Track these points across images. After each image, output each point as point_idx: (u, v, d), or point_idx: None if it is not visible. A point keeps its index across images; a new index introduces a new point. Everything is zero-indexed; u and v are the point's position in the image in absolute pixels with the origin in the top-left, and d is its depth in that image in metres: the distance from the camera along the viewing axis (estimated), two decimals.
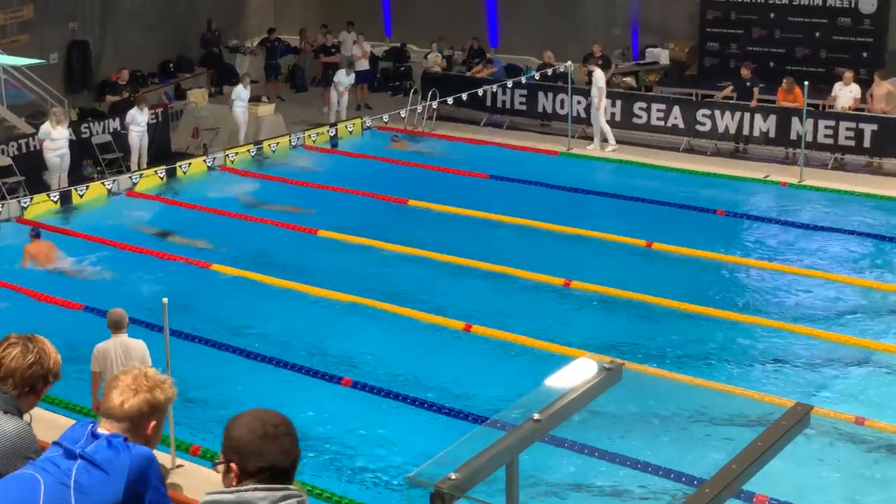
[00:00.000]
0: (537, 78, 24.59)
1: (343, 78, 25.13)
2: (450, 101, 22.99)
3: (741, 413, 11.39)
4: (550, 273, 15.68)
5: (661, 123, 23.37)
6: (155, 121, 22.71)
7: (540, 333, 13.61)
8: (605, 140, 23.00)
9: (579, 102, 24.01)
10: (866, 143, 21.47)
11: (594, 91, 22.85)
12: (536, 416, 5.95)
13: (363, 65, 27.21)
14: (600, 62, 24.00)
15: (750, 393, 11.86)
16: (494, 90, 24.46)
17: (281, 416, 3.85)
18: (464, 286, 15.60)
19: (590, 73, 23.88)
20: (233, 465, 3.78)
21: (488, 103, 24.96)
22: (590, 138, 23.59)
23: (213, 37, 28.95)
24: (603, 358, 6.93)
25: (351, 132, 23.94)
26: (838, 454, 11.11)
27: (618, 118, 23.68)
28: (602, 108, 22.86)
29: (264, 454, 3.75)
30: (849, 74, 22.02)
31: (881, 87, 21.92)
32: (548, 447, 9.75)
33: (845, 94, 21.78)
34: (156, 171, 20.84)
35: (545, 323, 14.07)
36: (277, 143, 22.75)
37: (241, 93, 23.18)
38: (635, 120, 23.72)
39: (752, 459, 5.86)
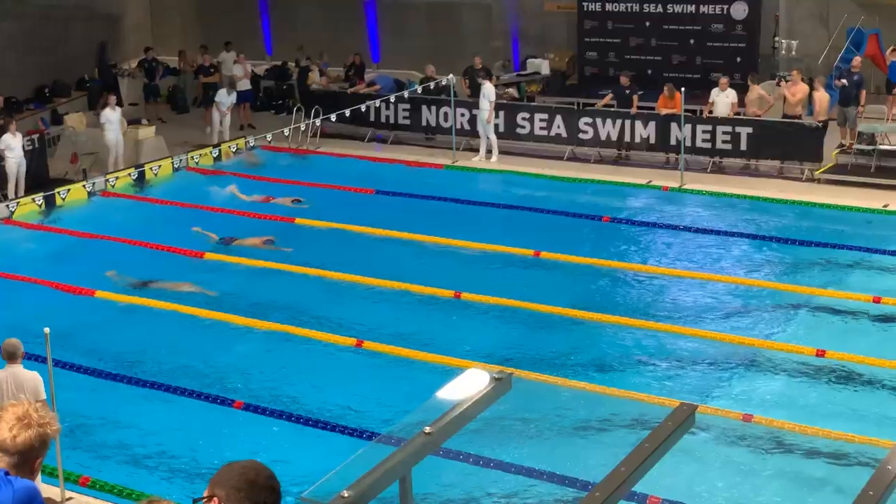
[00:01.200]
0: (420, 92, 24.65)
1: (224, 97, 24.88)
2: (333, 117, 22.92)
3: (630, 415, 11.54)
4: (440, 286, 15.72)
5: (545, 133, 23.61)
6: (31, 147, 22.17)
7: (431, 346, 13.61)
8: (489, 151, 23.15)
9: (463, 115, 24.15)
10: (743, 147, 21.99)
11: (484, 104, 22.95)
12: (428, 429, 5.94)
13: (245, 84, 26.97)
14: (482, 74, 24.15)
15: (638, 395, 12.02)
16: (378, 105, 24.45)
17: (272, 473, 4.04)
18: (354, 302, 15.53)
19: (472, 85, 24.07)
20: (215, 499, 3.92)
21: (372, 119, 24.96)
22: (475, 150, 23.72)
23: (106, 59, 28.55)
24: (493, 368, 6.95)
25: (235, 152, 23.71)
26: (727, 452, 11.30)
27: (502, 129, 23.85)
28: (492, 120, 23.01)
29: (247, 497, 3.90)
30: (724, 80, 22.53)
31: (753, 92, 22.46)
32: (442, 460, 9.75)
33: (722, 99, 22.26)
34: (33, 199, 20.36)
35: (436, 335, 14.08)
36: (159, 165, 22.41)
37: (109, 115, 22.60)
38: (519, 130, 23.94)
39: (641, 461, 5.94)
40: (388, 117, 25.17)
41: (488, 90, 23.05)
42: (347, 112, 22.87)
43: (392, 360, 13.51)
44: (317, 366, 13.60)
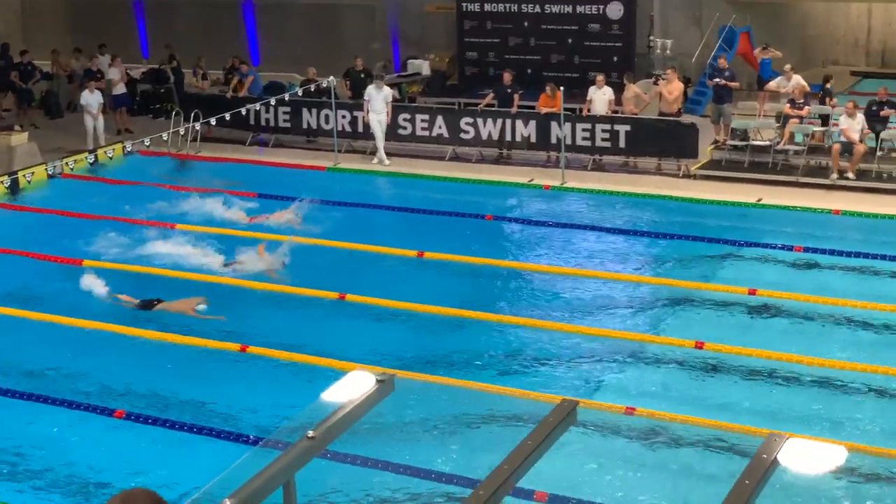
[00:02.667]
0: (300, 94, 24.50)
1: (90, 98, 24.35)
2: (212, 121, 22.64)
3: (514, 413, 11.63)
4: (324, 288, 15.65)
5: (426, 133, 23.68)
6: None
7: (316, 349, 13.54)
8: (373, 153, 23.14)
9: (344, 117, 24.10)
10: (621, 144, 22.35)
11: (380, 106, 22.86)
12: (311, 433, 5.90)
13: (120, 88, 26.50)
14: (381, 76, 24.06)
15: (522, 392, 12.13)
16: (258, 109, 24.24)
17: (157, 497, 3.98)
18: (238, 307, 15.36)
19: (354, 87, 24.08)
20: None
21: (252, 122, 24.73)
22: (358, 152, 23.71)
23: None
24: (376, 369, 6.93)
25: (111, 158, 23.26)
26: (611, 444, 11.45)
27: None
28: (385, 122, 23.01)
29: None
30: (601, 77, 22.87)
31: (630, 90, 22.84)
32: (328, 463, 9.71)
33: (600, 97, 22.59)
34: None
35: (321, 338, 14.01)
36: (33, 172, 21.88)
37: None
38: (400, 131, 23.96)
39: (523, 458, 5.97)
40: (268, 120, 24.98)
41: (388, 92, 23.05)
42: (227, 115, 22.60)
43: (276, 364, 13.39)
44: (200, 372, 13.41)
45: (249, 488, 5.41)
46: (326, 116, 24.30)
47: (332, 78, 23.72)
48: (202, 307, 15.12)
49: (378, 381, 6.42)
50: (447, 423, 11.74)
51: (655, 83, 23.18)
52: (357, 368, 6.63)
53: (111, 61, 26.94)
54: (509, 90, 23.28)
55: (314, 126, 24.72)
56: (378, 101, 22.88)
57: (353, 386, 6.45)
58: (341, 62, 26.09)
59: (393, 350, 13.61)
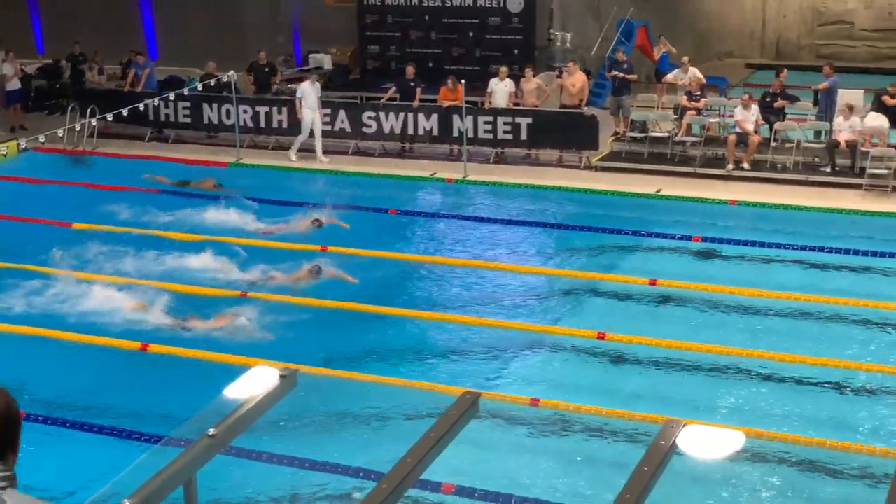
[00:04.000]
0: (201, 89, 24.21)
1: None
2: (110, 117, 22.25)
3: (419, 405, 11.67)
4: (225, 286, 15.52)
5: (329, 128, 23.56)
6: None
7: (218, 346, 13.41)
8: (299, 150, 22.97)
9: (246, 112, 23.89)
10: (523, 136, 22.50)
11: (316, 102, 22.68)
12: (212, 431, 5.85)
13: (15, 84, 25.91)
14: (315, 75, 23.80)
15: (426, 385, 12.17)
16: (157, 103, 23.88)
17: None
18: (139, 303, 15.13)
19: (257, 82, 23.91)
20: None
21: (151, 117, 24.38)
22: (260, 147, 23.57)
23: None
24: (278, 365, 6.90)
25: (5, 155, 22.73)
26: (516, 435, 11.55)
27: (285, 125, 23.70)
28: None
29: None
30: (503, 70, 23.00)
31: (531, 83, 23.00)
32: (231, 460, 9.64)
33: (501, 89, 22.73)
34: None
35: (223, 335, 13.88)
36: None
37: None
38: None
39: (427, 450, 6.01)
40: (167, 115, 24.66)
41: (318, 87, 22.85)
42: (125, 111, 22.22)
43: (178, 361, 13.25)
44: (99, 371, 13.21)
45: (149, 488, 5.35)
46: (228, 111, 24.07)
47: (232, 72, 23.49)
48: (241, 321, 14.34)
49: (281, 377, 6.39)
50: (351, 417, 11.74)
51: (559, 76, 23.35)
52: (259, 364, 6.58)
53: (4, 56, 26.33)
54: (412, 84, 23.29)
55: (215, 121, 24.46)
56: (314, 97, 22.73)
57: (255, 382, 6.41)
58: (242, 56, 25.84)
59: (296, 345, 13.55)
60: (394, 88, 23.63)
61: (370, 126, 23.43)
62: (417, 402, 11.84)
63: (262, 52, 25.27)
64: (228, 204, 19.22)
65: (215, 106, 24.35)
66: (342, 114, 23.57)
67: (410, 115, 23.11)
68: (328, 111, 23.60)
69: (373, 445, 10.97)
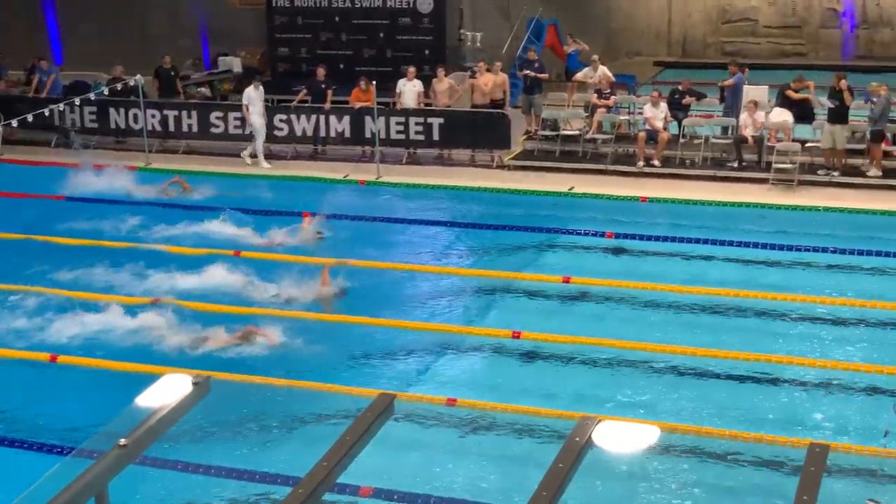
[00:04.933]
0: (107, 93, 23.81)
1: None
2: (14, 123, 21.80)
3: (335, 409, 11.60)
4: (134, 293, 15.29)
5: (240, 132, 23.35)
6: None
7: (130, 355, 13.19)
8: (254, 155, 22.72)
9: (154, 116, 23.59)
10: (435, 137, 22.52)
11: (262, 106, 22.48)
12: (123, 440, 5.76)
13: None
14: (258, 78, 23.46)
15: (341, 388, 12.08)
16: (61, 109, 23.43)
17: None
18: (48, 314, 14.84)
19: (163, 86, 23.59)
20: None
21: (57, 122, 23.93)
22: (170, 152, 23.29)
23: None
24: (191, 372, 6.81)
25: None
26: (434, 435, 11.54)
27: (195, 129, 23.45)
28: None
29: None
30: (411, 70, 23.00)
31: (443, 83, 23.03)
32: (144, 470, 9.50)
33: (409, 89, 22.72)
34: None
35: (131, 343, 13.67)
36: None
37: None
38: (213, 129, 23.60)
39: (343, 454, 5.97)
40: (73, 121, 24.22)
41: (262, 91, 22.62)
42: (30, 117, 21.74)
43: (88, 372, 13.01)
44: (8, 383, 12.92)
45: (59, 501, 5.25)
46: (136, 116, 23.73)
47: (139, 76, 23.16)
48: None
49: (193, 384, 6.31)
50: (266, 422, 11.64)
51: (472, 76, 23.34)
52: (171, 371, 6.48)
53: None
54: (323, 85, 23.17)
55: (123, 126, 24.10)
56: (259, 101, 22.48)
57: (167, 389, 6.31)
58: (150, 60, 25.50)
59: (208, 351, 13.38)
60: (305, 90, 23.48)
61: (282, 129, 23.27)
62: (333, 405, 11.77)
63: (167, 56, 24.94)
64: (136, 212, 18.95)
65: (122, 110, 23.99)
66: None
67: (322, 117, 23.00)
68: (239, 114, 23.39)
69: (289, 450, 10.89)
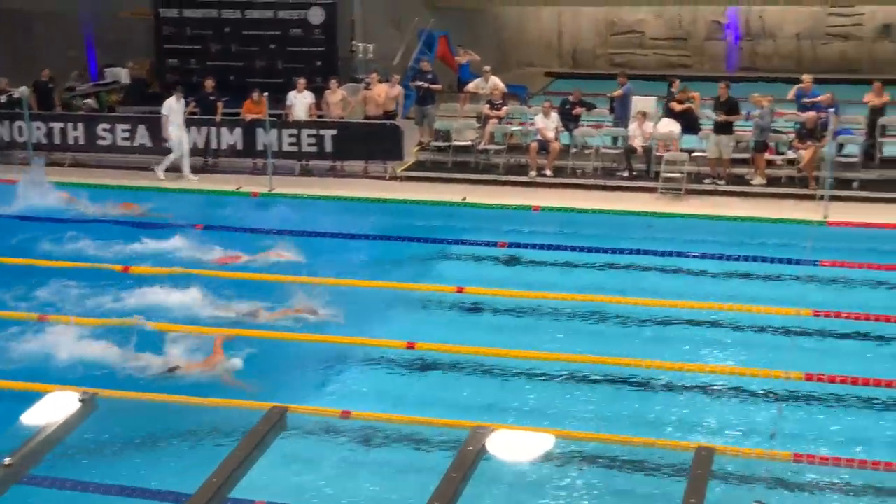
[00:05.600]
0: None
1: None
2: None
3: (226, 423, 11.46)
4: (16, 308, 14.94)
5: (128, 143, 23.06)
6: None
7: (12, 372, 12.88)
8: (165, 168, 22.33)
9: (39, 129, 23.12)
10: (328, 149, 22.46)
11: (180, 119, 22.06)
12: (7, 460, 5.64)
13: None
14: (179, 88, 22.96)
15: (231, 402, 11.94)
16: None
17: None
18: None
19: (41, 100, 23.17)
20: None
21: None
22: (58, 164, 22.84)
23: None
24: (76, 389, 6.68)
25: None
26: (329, 448, 11.48)
27: (81, 141, 23.05)
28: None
29: None
30: (302, 82, 22.91)
31: (336, 94, 22.98)
32: (31, 490, 9.28)
33: (301, 100, 22.63)
34: None
35: (19, 360, 13.36)
36: None
37: None
38: (100, 142, 23.25)
39: (234, 468, 5.92)
40: None
41: (182, 103, 22.20)
42: None
43: None
44: None
45: None
46: (20, 128, 23.22)
47: (24, 88, 22.69)
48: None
49: (80, 401, 6.20)
50: (155, 438, 11.46)
51: (367, 88, 23.28)
52: (57, 389, 6.36)
53: None
54: (212, 97, 22.94)
55: (7, 138, 23.57)
56: (180, 113, 22.07)
57: (53, 407, 6.19)
58: (37, 72, 24.97)
59: (93, 368, 13.10)
60: (193, 103, 23.21)
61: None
62: (225, 419, 11.62)
63: (46, 70, 24.47)
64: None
65: (6, 123, 23.46)
66: (142, 129, 23.06)
67: (214, 130, 22.77)
68: (127, 126, 23.08)
69: (180, 466, 10.73)
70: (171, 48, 27.37)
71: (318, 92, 23.16)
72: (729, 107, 20.61)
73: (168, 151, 22.22)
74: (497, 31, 32.65)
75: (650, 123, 21.36)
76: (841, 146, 20.92)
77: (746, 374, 12.90)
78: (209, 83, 23.20)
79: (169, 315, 14.77)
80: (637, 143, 21.10)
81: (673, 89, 22.00)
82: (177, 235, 18.05)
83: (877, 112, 21.24)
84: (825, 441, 11.50)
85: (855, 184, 20.37)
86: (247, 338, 14.04)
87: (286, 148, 22.50)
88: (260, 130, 22.30)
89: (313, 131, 22.41)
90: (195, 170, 22.49)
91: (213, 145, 22.84)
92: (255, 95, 22.51)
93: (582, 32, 33.64)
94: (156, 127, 22.90)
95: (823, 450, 11.21)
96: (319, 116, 22.83)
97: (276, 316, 14.87)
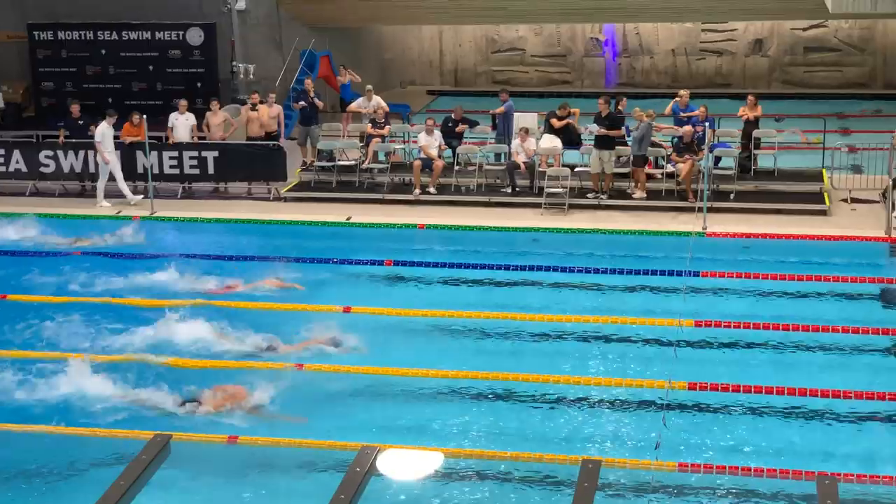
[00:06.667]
0: None
1: None
2: None
3: (111, 453, 11.20)
4: None
5: (3, 169, 22.52)
6: None
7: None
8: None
9: None
10: (210, 170, 22.23)
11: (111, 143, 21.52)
12: None
13: None
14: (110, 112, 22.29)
15: (112, 431, 11.67)
16: None
17: None
18: None
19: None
20: None
21: None
22: None
23: None
24: None
25: None
26: (214, 474, 11.29)
27: None
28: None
29: None
30: (183, 103, 22.64)
31: (217, 116, 22.76)
32: None
33: (182, 122, 22.36)
34: None
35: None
36: None
37: None
38: None
39: (117, 498, 5.80)
40: None
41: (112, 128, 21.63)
42: None
43: None
44: None
45: None
46: None
47: None
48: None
49: None
50: (37, 470, 11.14)
51: (254, 109, 23.00)
52: None
53: None
54: (80, 122, 22.48)
55: None
56: (111, 137, 21.48)
57: None
58: None
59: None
60: (62, 129, 22.63)
61: (48, 166, 22.51)
62: (107, 449, 11.35)
63: None
64: None
65: None
66: (17, 154, 22.55)
67: (91, 153, 22.33)
68: (2, 151, 22.54)
69: (63, 499, 10.46)
70: (46, 71, 26.83)
71: (199, 114, 22.90)
72: (611, 121, 20.94)
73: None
74: (379, 50, 32.69)
75: (533, 139, 21.58)
76: (717, 159, 21.40)
77: (632, 386, 13.08)
78: (74, 108, 22.76)
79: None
80: (520, 159, 21.29)
81: (558, 111, 22.17)
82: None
83: (751, 125, 21.80)
84: (709, 449, 11.70)
85: (732, 195, 20.84)
86: (129, 363, 13.75)
87: (167, 171, 22.20)
88: (140, 153, 21.96)
89: (195, 153, 22.16)
90: (73, 194, 22.06)
91: (92, 169, 22.39)
92: (135, 118, 22.16)
93: (463, 50, 33.87)
94: (32, 152, 22.39)
95: (708, 458, 11.41)
96: (201, 138, 22.57)
97: None
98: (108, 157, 21.48)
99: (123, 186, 21.77)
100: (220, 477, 11.34)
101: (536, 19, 31.38)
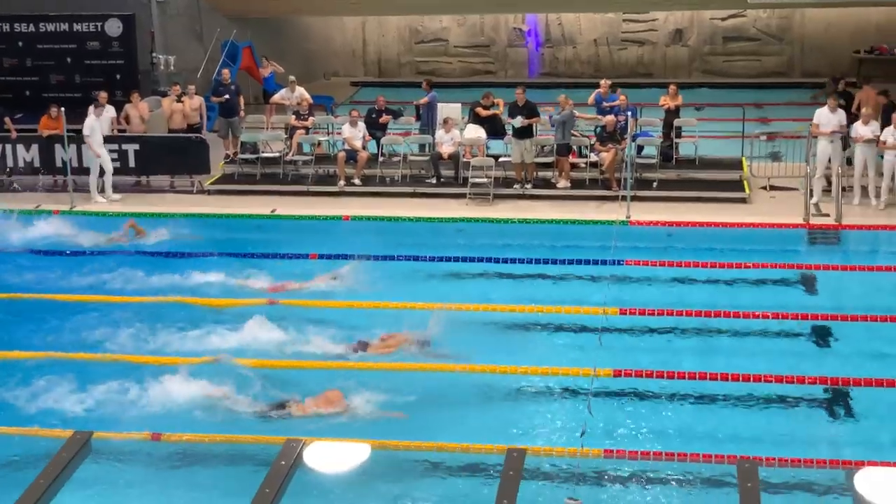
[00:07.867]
0: None
1: None
2: None
3: (27, 452, 11.02)
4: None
5: None
6: None
7: None
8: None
9: None
10: (132, 164, 21.96)
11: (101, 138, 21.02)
12: None
13: None
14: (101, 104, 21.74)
15: (32, 430, 11.50)
16: None
17: None
18: None
19: None
20: None
21: None
22: None
23: None
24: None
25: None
26: (137, 471, 11.15)
27: None
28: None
29: None
30: (103, 95, 22.29)
31: (137, 108, 22.45)
32: None
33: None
34: None
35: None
36: None
37: None
38: None
39: (37, 498, 5.72)
40: None
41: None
42: None
43: None
44: None
45: None
46: None
47: None
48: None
49: None
50: None
51: (179, 101, 22.72)
52: None
53: None
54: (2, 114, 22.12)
55: None
56: (100, 131, 20.98)
57: None
58: None
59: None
60: None
61: None
62: (24, 448, 11.16)
63: None
64: None
65: None
66: None
67: (9, 147, 21.96)
68: None
69: None
70: None
71: (119, 106, 22.59)
72: (528, 110, 21.03)
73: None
74: (302, 41, 32.50)
75: (457, 130, 21.60)
76: (640, 148, 21.60)
77: (557, 374, 13.16)
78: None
79: None
80: (444, 149, 21.31)
81: (482, 101, 22.22)
82: None
83: (672, 114, 22.05)
84: (635, 436, 11.83)
85: (654, 184, 21.06)
86: (49, 360, 13.54)
87: (86, 164, 21.85)
88: (58, 146, 21.61)
89: (115, 146, 21.84)
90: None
91: (10, 163, 22.02)
92: (53, 111, 21.80)
93: (386, 41, 33.80)
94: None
95: (634, 444, 11.52)
96: (121, 131, 22.28)
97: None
98: (99, 151, 21.06)
99: (108, 183, 21.35)
100: (143, 474, 11.20)
101: (460, 10, 31.43)
